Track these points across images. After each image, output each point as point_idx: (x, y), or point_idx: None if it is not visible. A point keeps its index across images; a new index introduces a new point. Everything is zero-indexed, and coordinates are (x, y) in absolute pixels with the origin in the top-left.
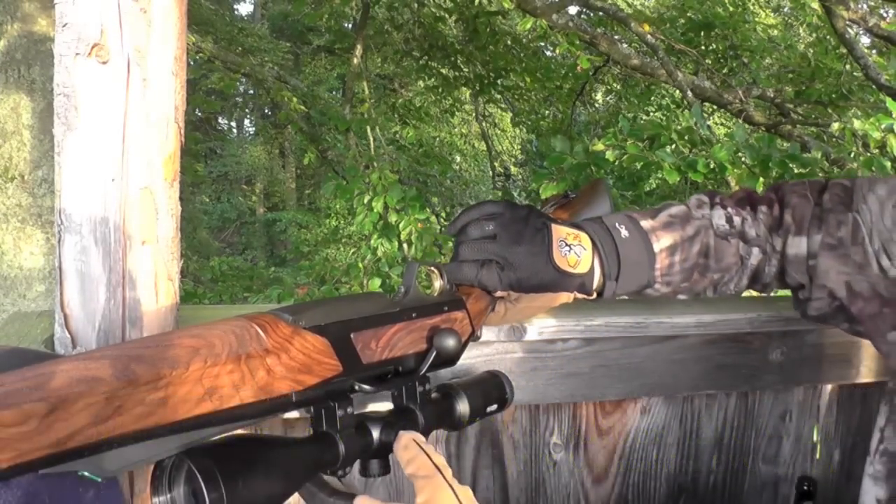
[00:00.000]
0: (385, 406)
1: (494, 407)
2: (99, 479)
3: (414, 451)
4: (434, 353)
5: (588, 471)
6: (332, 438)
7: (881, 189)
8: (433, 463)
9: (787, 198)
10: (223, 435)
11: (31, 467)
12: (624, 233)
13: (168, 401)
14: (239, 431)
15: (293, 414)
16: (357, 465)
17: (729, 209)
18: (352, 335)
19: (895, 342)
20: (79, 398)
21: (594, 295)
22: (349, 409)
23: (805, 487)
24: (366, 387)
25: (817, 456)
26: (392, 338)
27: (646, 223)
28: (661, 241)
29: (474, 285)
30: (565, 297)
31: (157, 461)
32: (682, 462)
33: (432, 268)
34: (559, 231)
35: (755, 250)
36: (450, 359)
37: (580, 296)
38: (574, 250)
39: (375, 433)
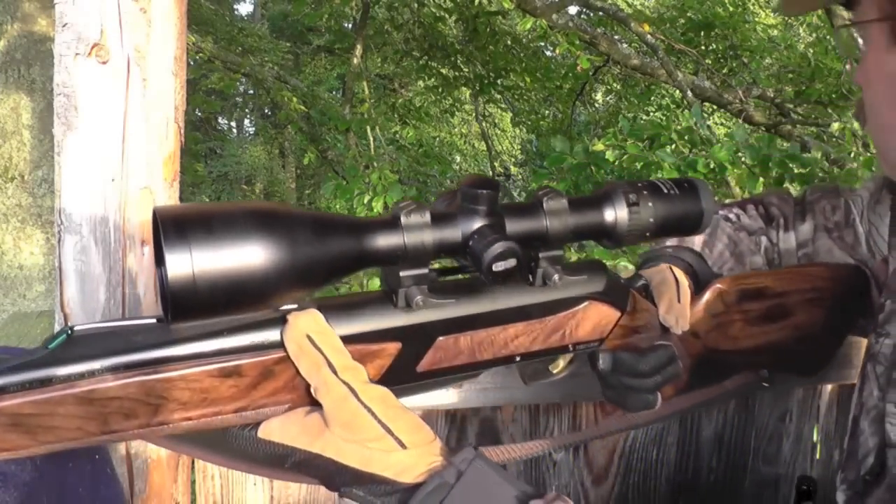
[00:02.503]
0: None
1: (680, 223)
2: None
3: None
4: None
5: (588, 471)
6: (393, 222)
7: (870, 182)
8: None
9: (767, 198)
10: None
11: None
12: (669, 250)
13: None
14: None
15: None
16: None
17: (721, 212)
18: None
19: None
20: None
21: None
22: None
23: (804, 487)
24: None
25: (817, 456)
26: None
27: (670, 242)
28: (695, 242)
29: None
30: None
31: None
32: (683, 461)
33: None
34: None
35: (762, 239)
36: None
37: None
38: None
39: (478, 221)
